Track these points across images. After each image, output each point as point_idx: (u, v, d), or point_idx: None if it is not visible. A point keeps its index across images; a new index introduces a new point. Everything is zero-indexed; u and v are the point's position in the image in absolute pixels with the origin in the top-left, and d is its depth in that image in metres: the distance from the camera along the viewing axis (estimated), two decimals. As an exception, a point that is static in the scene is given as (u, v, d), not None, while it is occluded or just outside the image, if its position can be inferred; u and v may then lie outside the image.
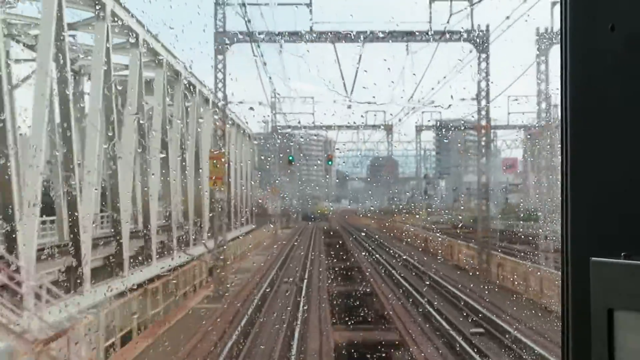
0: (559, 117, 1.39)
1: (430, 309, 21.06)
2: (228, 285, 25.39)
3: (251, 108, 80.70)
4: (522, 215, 47.49)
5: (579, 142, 1.32)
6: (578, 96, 1.32)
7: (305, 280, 29.56)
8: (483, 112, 28.51)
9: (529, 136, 52.47)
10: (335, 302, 23.36)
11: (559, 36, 1.38)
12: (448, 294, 23.90)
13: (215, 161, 24.40)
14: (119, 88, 28.93)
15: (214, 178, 24.45)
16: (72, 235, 21.58)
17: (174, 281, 23.35)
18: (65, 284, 20.87)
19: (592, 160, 1.29)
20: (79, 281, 21.27)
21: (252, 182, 68.86)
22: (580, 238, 1.32)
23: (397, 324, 19.70)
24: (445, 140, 77.46)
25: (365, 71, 40.91)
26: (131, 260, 25.78)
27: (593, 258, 1.25)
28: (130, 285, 22.65)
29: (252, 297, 23.76)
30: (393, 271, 30.52)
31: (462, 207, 64.30)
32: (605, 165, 1.27)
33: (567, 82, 1.34)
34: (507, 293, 23.10)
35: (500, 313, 19.49)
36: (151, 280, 23.07)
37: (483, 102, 28.92)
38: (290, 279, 30.36)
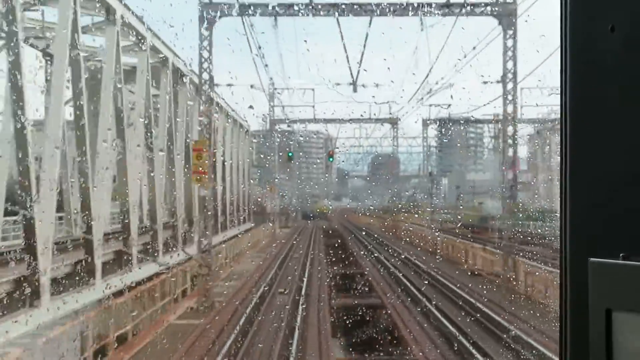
0: (559, 117, 1.33)
1: (455, 331, 16.97)
2: (215, 295, 21.22)
3: (250, 106, 77.32)
4: (535, 215, 43.51)
5: (578, 143, 1.28)
6: (578, 96, 1.28)
7: (305, 282, 25.87)
8: (509, 97, 24.48)
9: (537, 132, 48.72)
10: (338, 320, 19.30)
11: (559, 37, 1.33)
12: (472, 309, 19.74)
13: (198, 153, 20.25)
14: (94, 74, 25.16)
15: (198, 173, 20.30)
16: (27, 239, 17.64)
17: (152, 291, 19.31)
18: (21, 297, 17.03)
19: (592, 161, 1.25)
20: (37, 293, 17.40)
21: (252, 180, 65.50)
22: (579, 238, 1.27)
23: (414, 351, 15.62)
24: (445, 140, 73.48)
25: (365, 70, 36.82)
26: (108, 266, 21.89)
27: (592, 258, 1.21)
28: (98, 297, 18.76)
29: (240, 311, 19.66)
30: (402, 278, 26.48)
31: (467, 206, 60.45)
32: (605, 165, 1.23)
33: (567, 82, 1.30)
34: (543, 309, 18.92)
35: (543, 338, 15.33)
36: (125, 290, 19.06)
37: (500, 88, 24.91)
38: (289, 280, 27.05)
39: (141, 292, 18.12)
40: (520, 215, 41.98)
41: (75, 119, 20.86)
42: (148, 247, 25.53)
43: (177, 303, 20.33)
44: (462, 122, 53.85)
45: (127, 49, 27.31)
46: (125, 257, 23.09)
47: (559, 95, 1.32)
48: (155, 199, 26.35)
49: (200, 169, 20.15)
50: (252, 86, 35.57)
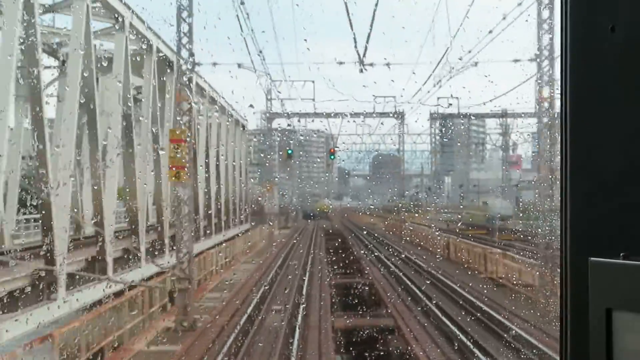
0: (559, 117, 1.31)
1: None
2: (194, 316, 17.50)
3: (251, 105, 74.23)
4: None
5: (578, 142, 1.26)
6: (578, 96, 1.26)
7: (304, 293, 22.38)
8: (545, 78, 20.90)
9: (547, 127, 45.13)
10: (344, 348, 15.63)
11: (560, 37, 1.30)
12: (506, 332, 16.02)
13: (176, 145, 16.60)
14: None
15: (175, 169, 16.65)
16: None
17: (124, 307, 15.72)
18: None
19: (592, 161, 1.24)
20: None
21: (252, 179, 62.36)
22: (579, 238, 1.25)
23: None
24: (446, 139, 69.75)
25: (365, 69, 33.13)
26: (73, 279, 18.34)
27: (592, 258, 1.19)
28: (56, 317, 15.27)
29: (226, 334, 15.99)
30: (415, 290, 22.73)
31: (475, 206, 56.89)
32: (605, 165, 1.22)
33: (567, 82, 1.28)
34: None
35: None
36: (93, 305, 15.53)
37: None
38: (286, 288, 23.73)
39: (105, 312, 14.51)
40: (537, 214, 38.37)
41: (32, 111, 17.40)
42: (124, 255, 22.01)
43: (148, 325, 16.70)
44: (467, 117, 50.21)
45: (105, 32, 23.87)
46: (96, 268, 19.54)
47: (559, 95, 1.28)
48: (137, 200, 22.82)
49: (178, 163, 16.52)
50: (239, 65, 31.85)
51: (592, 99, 1.23)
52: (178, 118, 17.10)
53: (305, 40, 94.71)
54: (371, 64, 27.70)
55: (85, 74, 19.43)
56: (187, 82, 17.72)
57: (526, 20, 29.46)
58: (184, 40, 17.60)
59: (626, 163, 1.18)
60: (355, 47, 23.98)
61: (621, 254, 1.15)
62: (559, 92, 1.28)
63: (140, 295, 16.51)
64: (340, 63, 30.60)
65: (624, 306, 1.12)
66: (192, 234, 19.48)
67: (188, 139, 16.77)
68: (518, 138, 54.68)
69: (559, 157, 1.28)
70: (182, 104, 17.06)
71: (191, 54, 17.50)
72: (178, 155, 16.56)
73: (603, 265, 1.16)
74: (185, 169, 16.58)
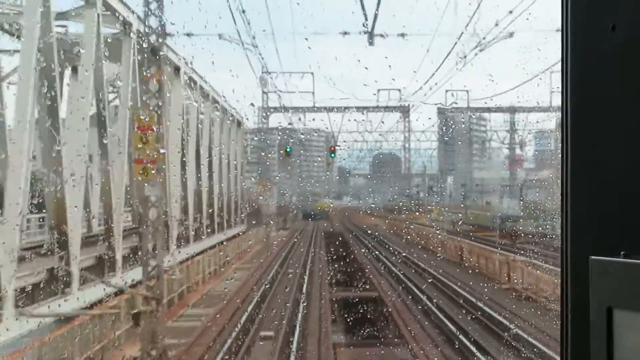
0: (559, 117, 1.30)
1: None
2: (174, 335, 14.26)
3: (252, 104, 71.41)
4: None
5: (579, 142, 1.23)
6: (579, 96, 1.23)
7: (302, 308, 19.31)
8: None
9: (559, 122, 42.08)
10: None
11: (560, 36, 1.28)
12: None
13: (143, 134, 13.28)
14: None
15: (141, 163, 13.35)
16: None
17: (78, 333, 12.50)
18: None
19: (592, 160, 1.21)
20: None
21: (252, 178, 59.68)
22: (580, 237, 1.22)
23: None
24: (445, 137, 66.47)
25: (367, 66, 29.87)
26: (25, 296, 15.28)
27: (592, 257, 1.16)
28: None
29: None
30: (430, 306, 19.50)
31: (482, 206, 53.82)
32: (605, 164, 1.19)
33: (567, 82, 1.26)
34: None
35: None
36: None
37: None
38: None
39: (47, 343, 11.30)
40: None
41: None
42: (97, 263, 18.88)
43: (109, 355, 13.47)
44: (476, 111, 47.17)
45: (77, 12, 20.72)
46: (57, 283, 16.37)
47: (559, 95, 1.27)
48: (112, 203, 19.68)
49: (147, 158, 13.25)
50: (220, 36, 28.59)
51: (593, 98, 1.20)
52: (146, 99, 13.87)
53: (306, 39, 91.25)
54: (381, 35, 24.37)
55: (51, 60, 16.35)
56: (156, 54, 14.46)
57: (527, 19, 28.16)
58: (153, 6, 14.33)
59: (627, 162, 1.15)
60: (363, 10, 20.91)
61: (622, 253, 1.12)
62: (560, 91, 1.25)
63: (98, 318, 13.28)
64: (345, 33, 27.41)
65: (625, 305, 1.09)
66: (170, 241, 16.20)
67: (160, 126, 13.53)
68: (527, 135, 51.63)
69: (560, 156, 1.25)
70: (150, 82, 13.78)
71: (161, 23, 14.25)
72: (145, 147, 13.30)
73: (604, 264, 1.13)
74: (154, 164, 13.33)
